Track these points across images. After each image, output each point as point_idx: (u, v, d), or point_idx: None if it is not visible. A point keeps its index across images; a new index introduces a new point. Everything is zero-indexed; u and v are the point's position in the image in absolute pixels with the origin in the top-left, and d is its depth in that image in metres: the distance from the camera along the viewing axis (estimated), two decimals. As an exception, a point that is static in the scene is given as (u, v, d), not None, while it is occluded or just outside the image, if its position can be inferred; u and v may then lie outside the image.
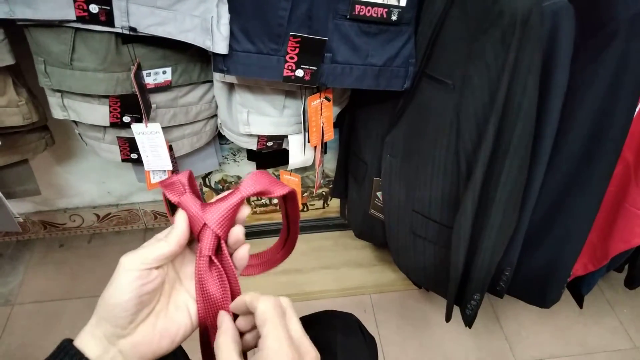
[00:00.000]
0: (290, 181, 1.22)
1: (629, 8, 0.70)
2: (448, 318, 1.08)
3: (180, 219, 0.43)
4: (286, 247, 0.56)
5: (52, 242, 1.57)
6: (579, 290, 1.21)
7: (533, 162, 0.84)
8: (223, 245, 0.44)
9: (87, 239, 1.58)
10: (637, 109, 0.82)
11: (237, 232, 0.45)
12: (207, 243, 0.43)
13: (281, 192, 0.46)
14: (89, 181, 1.42)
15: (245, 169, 1.38)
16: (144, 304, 0.41)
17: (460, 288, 1.00)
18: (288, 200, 0.50)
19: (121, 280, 0.40)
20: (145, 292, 0.41)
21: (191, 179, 0.46)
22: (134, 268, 0.40)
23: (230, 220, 0.44)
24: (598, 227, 0.99)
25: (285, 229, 0.55)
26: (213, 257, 0.43)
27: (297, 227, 0.54)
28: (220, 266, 0.44)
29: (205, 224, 0.43)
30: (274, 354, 0.39)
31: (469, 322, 1.05)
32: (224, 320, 0.44)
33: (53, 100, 0.91)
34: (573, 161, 0.86)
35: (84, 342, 0.40)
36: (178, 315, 0.44)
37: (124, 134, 0.97)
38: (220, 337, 0.43)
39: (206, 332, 0.45)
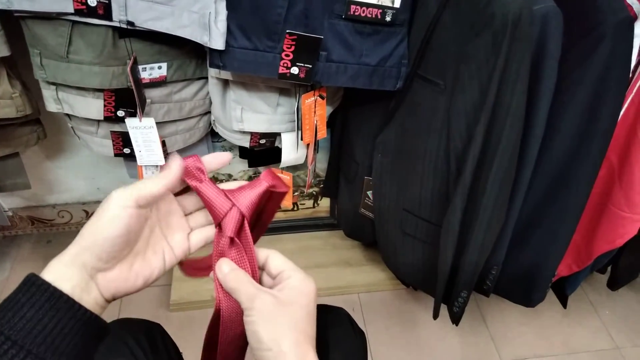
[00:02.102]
0: (282, 179, 1.23)
1: (616, 14, 0.73)
2: (435, 315, 1.10)
3: (175, 164, 0.44)
4: None
5: (40, 238, 1.55)
6: (563, 291, 1.24)
7: (521, 162, 0.86)
8: (247, 227, 0.47)
9: (75, 236, 1.56)
10: (621, 112, 0.85)
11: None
12: (232, 225, 0.46)
13: (284, 189, 0.50)
14: (78, 177, 1.41)
15: (237, 167, 1.39)
16: (130, 242, 0.43)
17: (448, 286, 1.02)
18: (276, 198, 0.52)
19: (113, 215, 0.40)
20: (134, 229, 0.42)
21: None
22: (127, 205, 0.41)
23: (256, 206, 0.47)
24: (582, 228, 1.02)
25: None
26: (235, 238, 0.46)
27: (266, 226, 0.55)
28: (241, 246, 0.47)
29: (233, 206, 0.46)
30: (302, 286, 0.46)
31: (456, 319, 1.07)
32: (223, 262, 0.47)
33: (47, 93, 0.91)
34: (559, 162, 0.88)
35: (57, 272, 0.39)
36: (154, 259, 0.46)
37: (117, 128, 0.98)
38: (230, 274, 0.46)
39: (219, 312, 0.47)
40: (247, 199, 0.46)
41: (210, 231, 0.50)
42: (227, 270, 0.46)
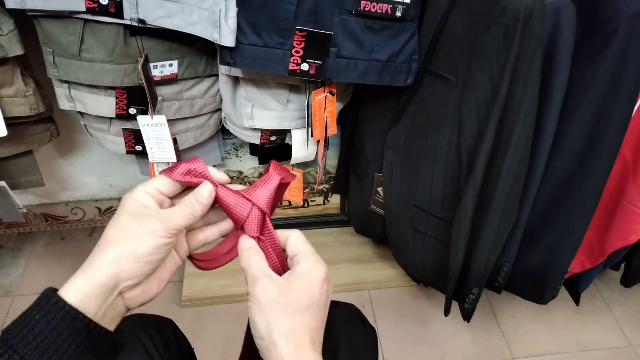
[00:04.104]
0: (287, 168, 1.23)
1: (630, 7, 0.72)
2: (446, 312, 1.10)
3: (207, 192, 0.46)
4: None
5: (54, 235, 1.57)
6: (576, 288, 1.23)
7: (533, 158, 0.85)
8: (268, 221, 0.48)
9: (88, 233, 1.59)
10: (635, 107, 0.83)
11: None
12: (255, 225, 0.47)
13: (292, 178, 0.51)
14: (91, 174, 1.43)
15: (248, 164, 1.39)
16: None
17: (459, 282, 1.02)
18: (283, 186, 0.53)
19: (152, 243, 0.42)
20: (167, 254, 0.45)
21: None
22: (164, 235, 0.43)
23: (272, 201, 0.48)
24: (595, 224, 1.01)
25: None
26: (261, 236, 0.47)
27: (273, 211, 0.56)
28: (265, 240, 0.48)
29: (253, 206, 0.47)
30: (309, 273, 0.45)
31: (467, 316, 1.07)
32: (245, 239, 0.48)
33: (60, 91, 0.92)
34: (572, 158, 0.87)
35: (84, 291, 0.39)
36: (169, 262, 0.48)
37: (129, 125, 0.98)
38: (244, 252, 0.47)
39: None
40: (265, 196, 0.47)
41: (209, 233, 0.51)
42: (245, 247, 0.47)
